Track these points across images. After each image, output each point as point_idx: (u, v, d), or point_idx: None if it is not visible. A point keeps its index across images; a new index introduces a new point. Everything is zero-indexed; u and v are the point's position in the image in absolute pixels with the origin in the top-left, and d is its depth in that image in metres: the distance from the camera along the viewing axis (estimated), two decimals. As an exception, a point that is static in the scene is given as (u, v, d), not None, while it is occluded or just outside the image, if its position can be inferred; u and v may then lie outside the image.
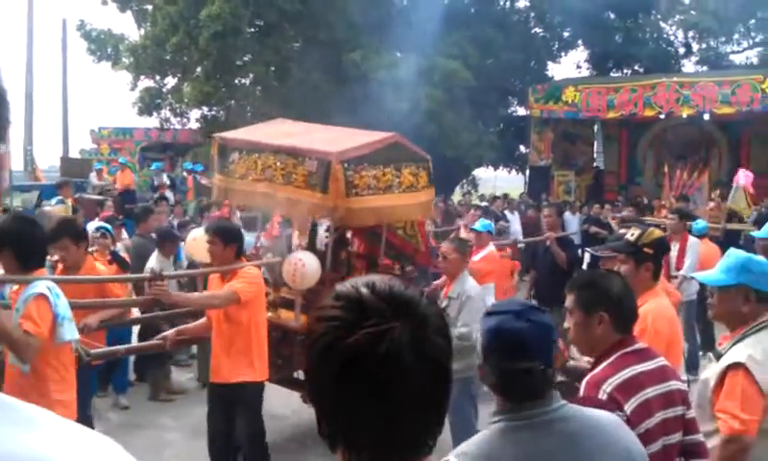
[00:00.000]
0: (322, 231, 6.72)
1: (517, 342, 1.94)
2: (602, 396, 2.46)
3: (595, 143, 22.89)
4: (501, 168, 26.12)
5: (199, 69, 19.03)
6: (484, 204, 16.89)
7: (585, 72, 24.36)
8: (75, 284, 4.51)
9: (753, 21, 23.01)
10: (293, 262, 5.62)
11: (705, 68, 22.80)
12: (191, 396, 7.54)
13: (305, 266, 5.58)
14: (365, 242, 6.73)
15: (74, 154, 23.98)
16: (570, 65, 58.84)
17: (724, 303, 3.22)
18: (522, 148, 23.62)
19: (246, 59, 18.83)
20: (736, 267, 3.16)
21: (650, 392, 2.54)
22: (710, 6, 20.95)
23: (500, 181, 30.56)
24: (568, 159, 21.33)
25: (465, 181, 24.93)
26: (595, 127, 22.27)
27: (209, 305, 5.05)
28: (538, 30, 23.40)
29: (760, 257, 3.22)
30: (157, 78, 20.12)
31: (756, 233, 7.71)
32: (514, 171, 26.33)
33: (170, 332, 5.18)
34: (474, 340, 4.57)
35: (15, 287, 3.95)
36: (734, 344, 3.15)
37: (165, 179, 18.76)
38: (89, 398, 5.29)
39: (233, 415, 5.06)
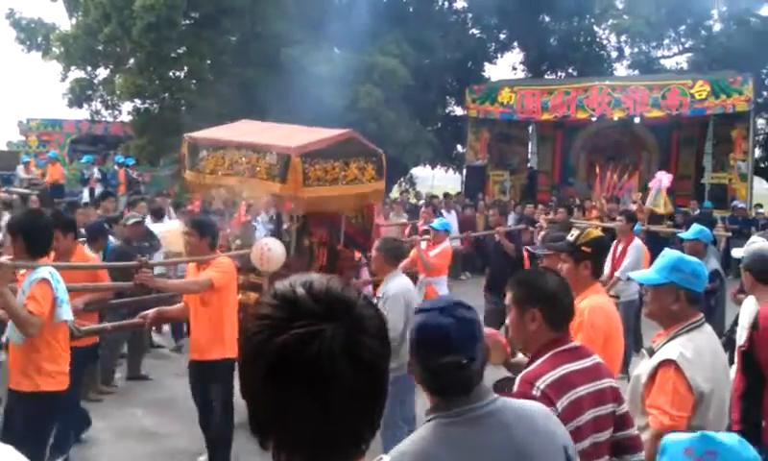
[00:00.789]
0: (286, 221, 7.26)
1: (440, 337, 1.95)
2: (535, 392, 2.48)
3: (530, 144, 23.29)
4: (438, 167, 26.32)
5: (132, 61, 18.57)
6: (421, 202, 17.02)
7: (520, 74, 24.73)
8: (67, 270, 4.93)
9: (683, 27, 23.74)
10: (260, 247, 6.23)
11: (636, 72, 23.43)
12: (119, 395, 7.44)
13: (271, 250, 6.17)
14: (325, 231, 7.18)
15: (1, 146, 23.16)
16: (506, 67, 59.71)
17: (656, 302, 3.30)
18: (459, 147, 23.86)
19: (180, 51, 18.43)
20: (668, 266, 3.23)
21: (581, 390, 2.56)
22: (642, 11, 21.51)
23: (437, 179, 30.79)
24: (503, 159, 21.64)
25: (402, 179, 25.04)
26: (530, 128, 22.65)
27: (187, 291, 5.52)
28: (475, 31, 23.63)
29: (692, 257, 3.29)
30: (89, 69, 19.56)
31: (683, 235, 7.98)
32: (451, 170, 26.56)
33: (150, 312, 5.52)
34: (399, 339, 5.01)
35: (23, 271, 4.40)
36: (667, 341, 3.22)
37: (96, 172, 18.28)
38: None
39: (208, 395, 5.52)
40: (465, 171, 22.08)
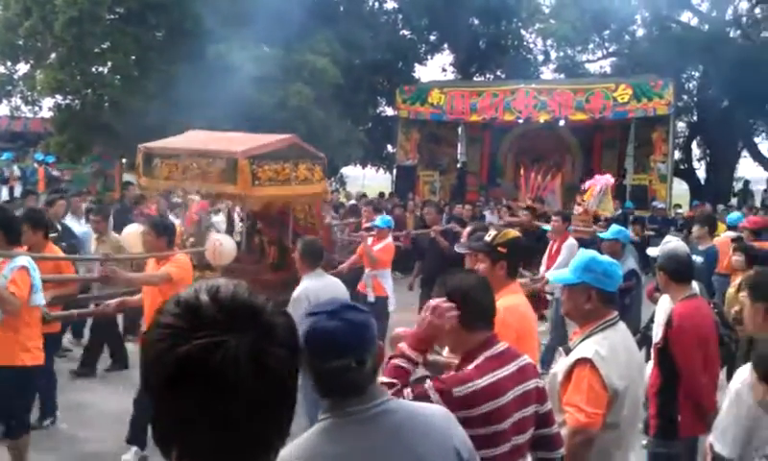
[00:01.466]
0: (237, 220, 7.99)
1: (328, 341, 1.94)
2: (467, 393, 2.50)
3: (459, 145, 23.52)
4: (369, 166, 26.37)
5: (53, 56, 17.96)
6: (351, 202, 17.02)
7: (450, 75, 24.98)
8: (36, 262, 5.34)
9: (607, 32, 24.39)
10: (213, 242, 6.88)
11: (562, 76, 23.93)
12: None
13: (223, 246, 6.83)
14: (274, 230, 7.88)
15: None
16: (437, 68, 60.17)
17: (570, 301, 3.37)
18: (390, 147, 23.96)
19: (104, 46, 17.93)
20: (580, 267, 3.30)
21: (509, 396, 2.59)
22: (568, 16, 21.98)
23: (368, 179, 30.82)
24: (433, 160, 21.81)
25: (333, 178, 24.98)
26: (459, 129, 22.88)
27: (148, 283, 6.00)
28: (405, 32, 23.74)
29: (605, 257, 3.37)
30: (8, 64, 18.86)
31: (602, 234, 8.21)
32: (381, 170, 26.64)
33: (113, 301, 6.12)
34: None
35: (1, 259, 4.97)
36: (582, 340, 3.29)
37: (16, 170, 17.67)
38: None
39: None
40: (395, 171, 22.17)
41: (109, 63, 18.09)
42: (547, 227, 9.28)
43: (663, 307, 5.03)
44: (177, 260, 5.93)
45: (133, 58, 18.12)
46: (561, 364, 3.34)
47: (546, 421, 2.78)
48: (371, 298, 8.06)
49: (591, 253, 3.40)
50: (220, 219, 8.88)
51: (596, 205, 13.14)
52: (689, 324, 4.36)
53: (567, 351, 3.36)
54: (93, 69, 17.94)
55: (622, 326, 3.40)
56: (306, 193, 7.72)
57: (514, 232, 4.09)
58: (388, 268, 8.59)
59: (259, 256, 7.67)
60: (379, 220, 8.92)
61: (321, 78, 17.15)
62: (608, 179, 13.78)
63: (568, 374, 3.22)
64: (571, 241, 8.70)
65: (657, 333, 4.93)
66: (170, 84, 16.43)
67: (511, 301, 3.84)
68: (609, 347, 3.20)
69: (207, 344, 1.03)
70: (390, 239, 8.75)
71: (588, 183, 15.30)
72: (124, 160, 19.90)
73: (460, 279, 2.87)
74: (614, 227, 8.07)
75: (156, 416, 1.10)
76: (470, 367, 2.64)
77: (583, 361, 3.17)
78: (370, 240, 8.42)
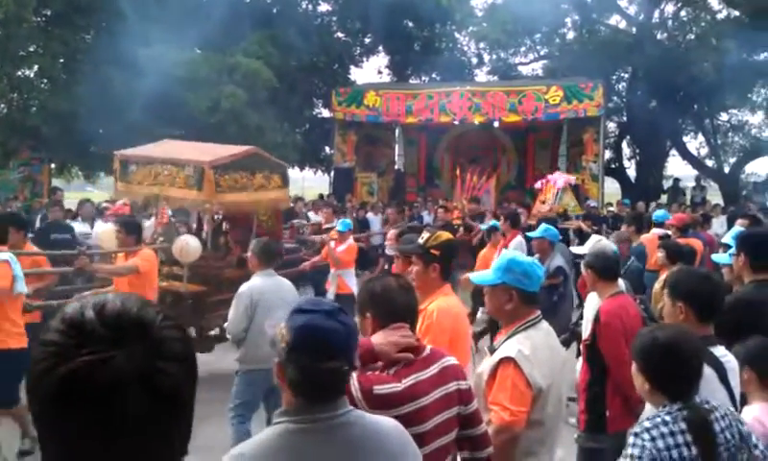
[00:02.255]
0: (205, 223, 8.73)
1: (327, 341, 1.91)
2: (383, 396, 2.48)
3: (396, 146, 23.60)
4: (307, 169, 26.22)
5: (-23, 59, 17.36)
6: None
7: (386, 78, 25.04)
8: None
9: (538, 35, 24.83)
10: (180, 242, 7.55)
11: (495, 78, 24.25)
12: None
13: (189, 245, 7.50)
14: (239, 231, 8.68)
15: None
16: (372, 70, 60.32)
17: (492, 301, 3.40)
18: (327, 149, 23.86)
19: (31, 49, 17.40)
20: (501, 268, 3.33)
21: (427, 400, 2.59)
22: (500, 19, 22.32)
23: (308, 181, 30.66)
24: (371, 161, 21.83)
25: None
26: (396, 131, 22.97)
27: (118, 274, 6.98)
28: (340, 34, 23.70)
29: (525, 258, 3.40)
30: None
31: (530, 234, 8.36)
32: (319, 172, 26.53)
33: (88, 293, 6.15)
34: (239, 335, 5.68)
35: None
36: (506, 339, 3.32)
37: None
38: None
39: None
40: (333, 173, 22.11)
41: (36, 66, 17.57)
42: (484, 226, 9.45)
43: (592, 304, 5.12)
44: (143, 254, 6.90)
45: (61, 61, 17.63)
46: (486, 363, 3.36)
47: (471, 421, 2.78)
48: (330, 295, 8.69)
49: (512, 253, 3.43)
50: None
51: (558, 202, 13.47)
52: (616, 320, 4.46)
53: (492, 351, 3.38)
54: (19, 73, 17.37)
55: (545, 325, 3.44)
56: (262, 199, 8.40)
57: (446, 234, 4.11)
58: (351, 267, 9.28)
59: (224, 255, 8.45)
60: (340, 224, 9.66)
61: (254, 80, 16.98)
62: (567, 177, 14.10)
63: (493, 373, 3.25)
64: (518, 239, 8.87)
65: (585, 330, 5.02)
66: (99, 87, 16.05)
67: (444, 303, 3.86)
68: (531, 346, 3.24)
69: (93, 361, 1.00)
70: (351, 240, 9.44)
71: (539, 183, 15.67)
72: (53, 165, 19.36)
73: (377, 283, 2.85)
74: (542, 225, 8.24)
75: (42, 439, 1.05)
76: (392, 371, 2.64)
77: (506, 360, 3.19)
78: (333, 243, 9.18)
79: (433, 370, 2.69)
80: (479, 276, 3.53)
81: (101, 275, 7.42)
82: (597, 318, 4.60)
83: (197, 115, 16.37)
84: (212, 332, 8.17)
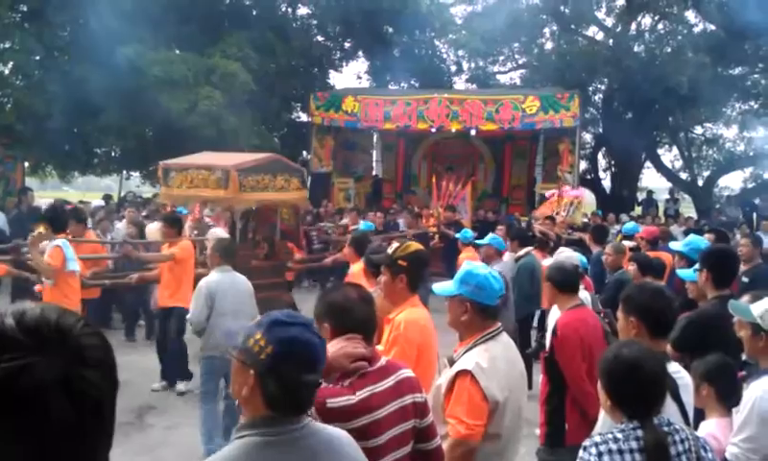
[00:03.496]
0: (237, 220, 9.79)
1: (310, 355, 1.93)
2: (329, 406, 2.47)
3: (374, 152, 23.59)
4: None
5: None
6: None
7: (365, 83, 25.04)
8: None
9: (516, 44, 24.97)
10: (211, 234, 8.50)
11: (474, 86, 24.33)
12: None
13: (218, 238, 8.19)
14: (266, 227, 10.10)
15: None
16: (352, 75, 60.34)
17: (450, 313, 3.41)
18: (305, 153, 23.78)
19: (5, 46, 17.20)
20: (458, 279, 3.34)
21: (381, 413, 2.59)
22: (479, 28, 22.42)
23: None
24: (348, 167, 21.78)
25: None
26: (374, 136, 22.96)
27: (157, 260, 8.66)
28: (320, 38, 23.68)
29: (482, 270, 3.40)
30: None
31: (479, 241, 8.49)
32: (296, 176, 26.44)
33: (135, 275, 8.66)
34: (200, 325, 6.23)
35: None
36: (465, 352, 3.33)
37: None
38: None
39: (168, 328, 8.41)
40: (309, 178, 21.99)
41: (11, 63, 17.38)
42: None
43: (554, 317, 5.15)
44: (181, 245, 8.27)
45: (36, 58, 17.45)
46: (444, 376, 3.37)
47: (426, 435, 2.78)
48: None
49: (470, 266, 3.43)
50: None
51: (571, 214, 13.67)
52: (572, 333, 4.48)
53: (452, 363, 3.38)
54: (-7, 69, 17.20)
55: (504, 337, 3.45)
56: (282, 199, 9.75)
57: (415, 245, 4.11)
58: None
59: (252, 247, 9.69)
60: (362, 225, 10.95)
61: (232, 82, 16.89)
62: (579, 192, 14.31)
63: (450, 385, 3.25)
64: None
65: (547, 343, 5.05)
66: (76, 85, 15.92)
67: (412, 314, 3.86)
68: (489, 358, 3.24)
69: (12, 368, 0.99)
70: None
71: (548, 193, 15.83)
72: (26, 164, 19.16)
73: (339, 293, 2.85)
74: (490, 235, 8.46)
75: None
76: (346, 383, 2.63)
77: (463, 373, 3.20)
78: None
79: (388, 382, 2.69)
80: (440, 286, 3.53)
81: (144, 261, 9.05)
82: (554, 331, 4.63)
83: (173, 116, 16.26)
84: None
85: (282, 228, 10.36)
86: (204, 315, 6.24)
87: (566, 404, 4.49)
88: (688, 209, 24.63)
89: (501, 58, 25.62)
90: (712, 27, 22.18)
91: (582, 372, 4.42)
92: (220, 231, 8.76)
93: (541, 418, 4.69)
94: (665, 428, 2.54)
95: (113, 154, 20.61)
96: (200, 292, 6.36)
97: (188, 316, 6.66)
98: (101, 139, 18.18)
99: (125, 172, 22.81)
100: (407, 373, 2.82)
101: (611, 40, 23.66)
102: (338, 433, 2.13)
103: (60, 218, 7.69)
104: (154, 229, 10.39)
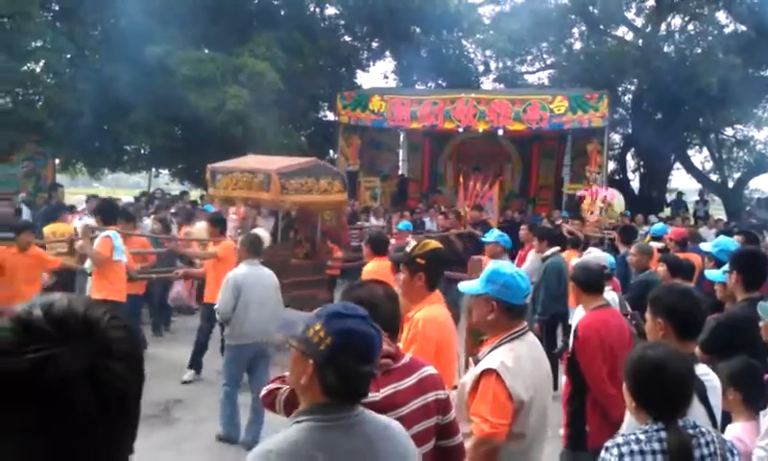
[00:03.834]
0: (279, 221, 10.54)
1: (368, 346, 2.01)
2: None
3: (400, 151, 23.59)
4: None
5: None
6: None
7: (392, 82, 25.04)
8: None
9: (544, 44, 24.80)
10: (253, 234, 8.48)
11: (501, 86, 24.22)
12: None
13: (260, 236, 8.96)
14: (308, 228, 10.63)
15: None
16: (379, 75, 60.34)
17: (476, 311, 3.40)
18: (331, 153, 23.86)
19: (37, 45, 17.45)
20: (485, 278, 3.33)
21: (405, 410, 2.61)
22: (507, 28, 22.31)
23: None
24: (375, 166, 21.80)
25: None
26: (401, 136, 22.95)
27: (199, 257, 9.55)
28: (347, 38, 23.71)
29: (509, 269, 3.39)
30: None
31: (484, 238, 8.48)
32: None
33: (180, 270, 9.89)
34: (227, 315, 6.53)
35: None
36: (491, 350, 3.32)
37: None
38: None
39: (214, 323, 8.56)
40: (342, 178, 22.02)
41: (42, 61, 17.62)
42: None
43: (578, 317, 5.12)
44: (222, 244, 8.75)
45: (68, 56, 17.68)
46: (469, 374, 3.37)
47: (448, 432, 2.80)
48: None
49: (497, 264, 3.43)
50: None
51: (605, 213, 13.68)
52: (593, 335, 4.44)
53: (476, 362, 3.38)
54: (25, 67, 17.43)
55: (530, 337, 3.44)
56: (325, 201, 10.29)
57: (434, 243, 4.11)
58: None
59: (293, 246, 10.32)
60: (400, 224, 11.83)
61: (259, 82, 16.97)
62: (613, 192, 14.33)
63: (475, 384, 3.25)
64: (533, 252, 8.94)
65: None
66: (105, 83, 16.11)
67: (430, 312, 3.86)
68: (514, 358, 3.23)
69: (38, 358, 1.00)
70: (409, 239, 10.15)
71: (580, 192, 15.80)
72: (57, 161, 19.41)
73: (365, 289, 2.86)
74: (497, 231, 8.85)
75: None
76: None
77: (488, 372, 3.20)
78: (393, 240, 10.14)
79: (412, 379, 2.71)
80: (466, 285, 3.53)
81: (189, 257, 9.95)
82: (576, 333, 4.60)
83: (201, 115, 16.39)
84: None
85: (324, 228, 10.88)
86: (230, 305, 6.53)
87: (587, 406, 4.46)
88: (718, 211, 24.32)
89: (529, 58, 25.47)
90: (743, 28, 21.88)
91: (603, 374, 4.39)
92: (261, 232, 8.95)
93: (564, 419, 4.66)
94: (690, 431, 2.51)
95: (142, 151, 20.80)
96: (227, 284, 6.64)
97: (216, 306, 6.83)
98: (130, 137, 18.37)
99: (154, 169, 23.03)
100: (430, 370, 2.84)
101: (640, 41, 23.43)
102: (391, 422, 2.21)
103: (112, 212, 8.60)
104: (200, 227, 11.07)
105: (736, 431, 3.57)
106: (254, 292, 6.59)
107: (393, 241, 9.86)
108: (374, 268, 6.68)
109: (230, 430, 6.73)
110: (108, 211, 8.53)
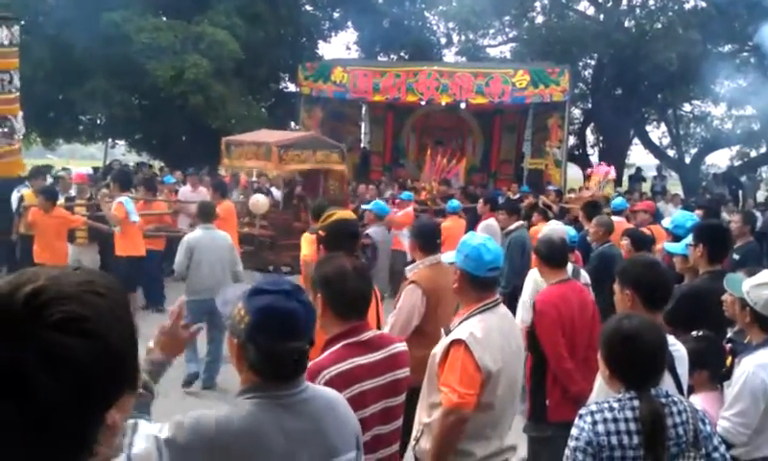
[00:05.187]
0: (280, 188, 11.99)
1: (290, 322, 1.90)
2: (320, 382, 2.45)
3: (363, 124, 23.43)
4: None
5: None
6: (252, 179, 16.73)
7: (354, 54, 24.80)
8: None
9: (507, 18, 24.77)
10: (253, 198, 10.73)
11: (463, 59, 24.18)
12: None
13: (259, 201, 10.58)
14: (311, 192, 11.22)
15: None
16: (341, 46, 59.93)
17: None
18: (293, 124, 23.61)
19: (-12, 8, 16.86)
20: (458, 248, 3.33)
21: (366, 384, 2.58)
22: (470, 0, 22.22)
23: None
24: (337, 138, 21.44)
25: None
26: (363, 108, 22.80)
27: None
28: (309, 8, 23.40)
29: (478, 240, 3.38)
30: None
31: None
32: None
33: (184, 229, 10.19)
34: (181, 274, 7.42)
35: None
36: (461, 322, 3.33)
37: None
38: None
39: None
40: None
41: (-7, 28, 17.05)
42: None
43: (528, 288, 5.17)
44: (222, 205, 9.29)
45: (21, 23, 17.11)
46: (440, 345, 3.36)
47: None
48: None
49: (471, 235, 3.42)
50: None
51: (601, 190, 13.81)
52: (551, 310, 4.45)
53: (448, 333, 3.37)
54: (-25, 33, 16.84)
55: (502, 309, 3.45)
56: (322, 170, 11.29)
57: (342, 214, 4.14)
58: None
59: (294, 211, 11.29)
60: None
61: (219, 51, 16.69)
62: (609, 169, 14.52)
63: (445, 355, 3.25)
64: (490, 220, 8.96)
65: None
66: (61, 51, 15.67)
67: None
68: (484, 329, 3.24)
69: None
70: (410, 208, 11.64)
71: (588, 171, 16.05)
72: (9, 130, 18.88)
73: (332, 265, 2.81)
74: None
75: None
76: (325, 354, 2.62)
77: (457, 342, 3.21)
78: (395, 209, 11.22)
79: (377, 355, 2.69)
80: (447, 256, 3.54)
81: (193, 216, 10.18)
82: (534, 306, 4.63)
83: (160, 84, 16.07)
84: (285, 269, 10.14)
85: (328, 196, 11.21)
86: (183, 265, 7.33)
87: (548, 380, 4.48)
88: (675, 187, 24.71)
89: (491, 31, 25.41)
90: (703, 4, 22.12)
91: (561, 348, 4.40)
92: (260, 197, 10.82)
93: (528, 392, 4.69)
94: (663, 400, 2.54)
95: (99, 121, 20.37)
96: (182, 246, 7.46)
97: (174, 265, 7.67)
98: (86, 106, 17.94)
99: (110, 140, 22.58)
100: (401, 347, 2.81)
101: (601, 15, 23.56)
102: (334, 395, 2.16)
103: (126, 180, 10.59)
104: (262, 201, 11.80)
105: (697, 403, 3.62)
106: (208, 253, 7.35)
107: (395, 210, 11.09)
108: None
109: (191, 367, 7.31)
110: (123, 180, 10.40)
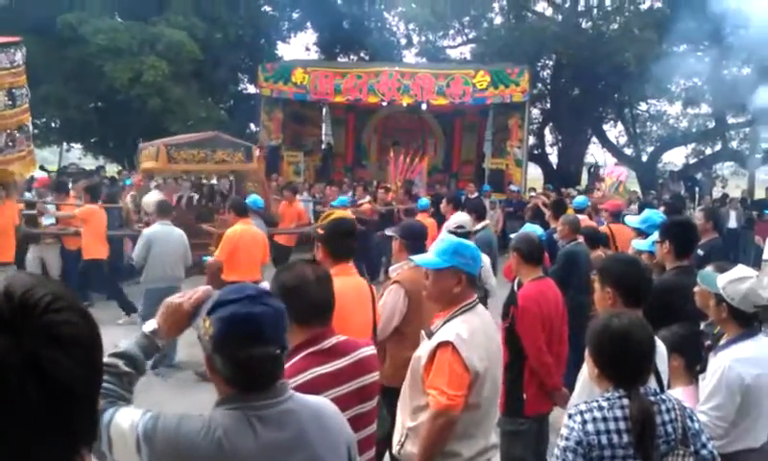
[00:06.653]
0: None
1: (253, 327, 1.81)
2: None
3: (324, 125, 23.34)
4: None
5: None
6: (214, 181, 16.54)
7: (314, 55, 24.69)
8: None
9: (467, 18, 24.91)
10: (146, 198, 10.81)
11: (424, 60, 24.24)
12: None
13: (147, 201, 10.60)
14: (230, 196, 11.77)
15: None
16: (300, 47, 59.73)
17: (438, 285, 3.35)
18: (253, 126, 23.41)
19: (-64, 9, 16.45)
20: (449, 251, 3.31)
21: (331, 393, 2.46)
22: (429, 1, 22.28)
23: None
24: (298, 140, 21.48)
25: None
26: (324, 109, 22.70)
27: (67, 217, 10.55)
28: (267, 8, 23.22)
29: (470, 242, 3.39)
30: None
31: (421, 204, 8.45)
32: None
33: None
34: (140, 263, 8.19)
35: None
36: (445, 323, 3.30)
37: None
38: None
39: None
40: (262, 151, 21.61)
41: (-58, 28, 16.59)
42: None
43: (487, 275, 5.20)
44: (84, 208, 9.91)
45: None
46: (424, 347, 3.34)
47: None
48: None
49: (454, 238, 3.42)
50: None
51: (614, 191, 13.96)
52: (533, 306, 4.52)
53: (430, 335, 3.34)
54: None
55: (481, 308, 3.44)
56: (218, 169, 11.80)
57: (341, 214, 4.10)
58: None
59: (207, 211, 11.62)
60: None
61: (177, 52, 16.48)
62: (623, 171, 14.74)
63: (431, 357, 3.23)
64: (458, 213, 8.98)
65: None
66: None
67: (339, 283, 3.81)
68: (469, 329, 3.24)
69: None
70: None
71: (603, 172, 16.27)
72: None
73: (292, 272, 2.71)
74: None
75: None
76: (288, 364, 2.52)
77: (444, 344, 3.19)
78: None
79: (342, 362, 2.61)
80: (423, 258, 3.47)
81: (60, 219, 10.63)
82: (515, 301, 4.65)
83: (117, 87, 15.79)
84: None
85: (243, 195, 11.57)
86: (141, 256, 8.11)
87: (525, 374, 4.53)
88: (632, 185, 25.06)
89: (451, 32, 25.56)
90: (659, 4, 22.49)
91: (541, 343, 4.50)
92: (155, 194, 10.71)
93: (503, 387, 4.69)
94: (651, 398, 2.54)
95: (53, 125, 19.95)
96: (141, 239, 8.25)
97: (133, 254, 8.46)
98: (40, 110, 17.52)
99: (65, 144, 22.12)
100: (368, 351, 2.74)
101: (559, 16, 23.81)
102: (323, 403, 2.07)
103: (64, 185, 11.29)
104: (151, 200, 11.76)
105: (677, 396, 3.64)
106: (164, 245, 8.14)
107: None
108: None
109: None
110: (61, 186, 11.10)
